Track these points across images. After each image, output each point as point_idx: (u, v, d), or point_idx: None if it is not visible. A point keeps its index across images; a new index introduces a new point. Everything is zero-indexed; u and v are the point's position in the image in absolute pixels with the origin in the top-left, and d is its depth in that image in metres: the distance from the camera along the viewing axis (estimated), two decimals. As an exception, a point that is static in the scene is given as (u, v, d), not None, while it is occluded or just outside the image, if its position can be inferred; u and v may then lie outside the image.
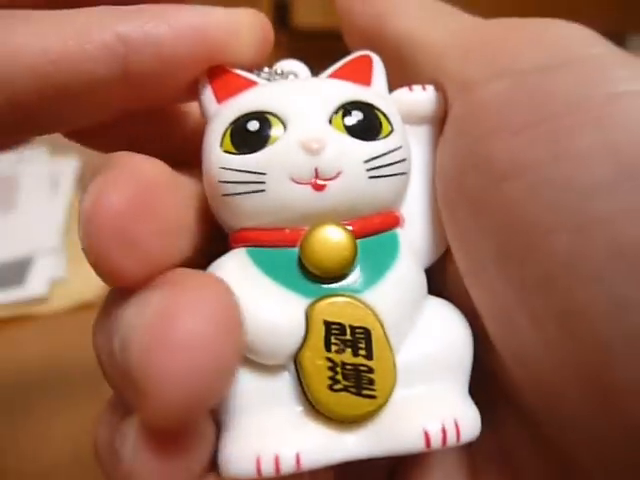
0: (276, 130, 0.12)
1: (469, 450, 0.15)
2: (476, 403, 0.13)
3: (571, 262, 0.11)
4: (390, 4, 0.16)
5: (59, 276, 0.37)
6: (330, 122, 0.13)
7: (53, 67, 0.12)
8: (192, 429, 0.11)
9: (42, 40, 0.12)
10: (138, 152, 0.12)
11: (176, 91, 0.14)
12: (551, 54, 0.12)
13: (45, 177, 0.47)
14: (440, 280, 0.14)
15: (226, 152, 0.13)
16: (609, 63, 0.11)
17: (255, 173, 0.12)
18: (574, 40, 0.12)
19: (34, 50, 0.12)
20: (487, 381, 0.14)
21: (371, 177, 0.13)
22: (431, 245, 0.14)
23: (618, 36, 0.76)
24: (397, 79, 0.15)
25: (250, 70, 0.14)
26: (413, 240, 0.14)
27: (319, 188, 0.12)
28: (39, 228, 0.41)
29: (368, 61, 0.15)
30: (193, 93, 0.14)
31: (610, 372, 0.10)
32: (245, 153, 0.12)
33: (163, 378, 0.10)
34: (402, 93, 0.14)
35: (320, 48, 0.58)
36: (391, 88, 0.15)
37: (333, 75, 0.14)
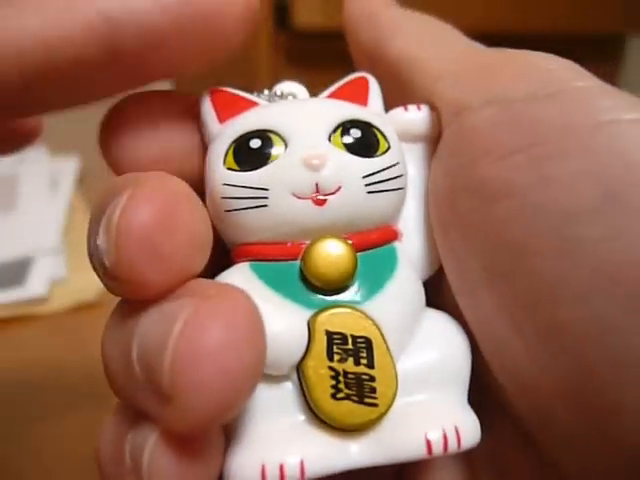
0: (278, 148, 0.13)
1: (469, 457, 0.15)
2: (474, 411, 0.13)
3: (556, 284, 0.11)
4: (392, 26, 0.16)
5: (59, 276, 0.37)
6: (330, 140, 0.13)
7: (34, 48, 0.12)
8: (210, 438, 0.12)
9: (23, 21, 0.12)
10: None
11: (162, 69, 0.14)
12: (540, 85, 0.12)
13: (45, 177, 0.47)
14: (437, 293, 0.15)
15: (229, 169, 0.13)
16: (594, 94, 0.12)
17: (257, 189, 0.13)
18: (562, 73, 0.12)
19: (15, 31, 0.11)
20: (483, 391, 0.14)
21: (370, 192, 0.13)
22: (427, 259, 0.14)
23: (618, 36, 0.76)
24: (396, 98, 0.15)
25: (250, 92, 0.15)
26: (411, 254, 0.14)
27: (320, 203, 0.13)
28: (39, 228, 0.41)
29: (364, 82, 0.15)
30: (177, 71, 0.14)
31: (594, 391, 0.11)
32: (247, 170, 0.13)
33: (194, 385, 0.10)
34: (398, 112, 0.15)
35: (320, 48, 0.58)
36: (390, 107, 0.15)
37: (331, 95, 0.15)
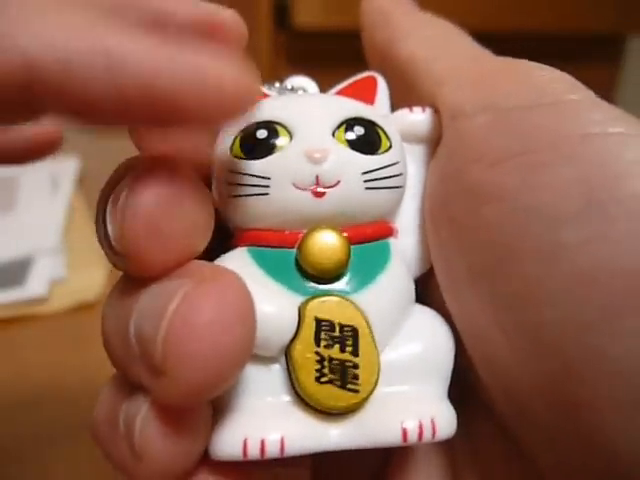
0: (283, 139, 0.13)
1: (451, 456, 0.16)
2: (455, 409, 0.14)
3: (537, 285, 0.11)
4: (405, 28, 0.17)
5: (59, 276, 0.37)
6: (333, 135, 0.13)
7: None
8: (199, 411, 0.12)
9: None
10: None
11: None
12: (534, 95, 0.13)
13: (45, 177, 0.47)
14: (428, 290, 0.15)
15: (236, 157, 0.13)
16: (585, 107, 0.12)
17: (260, 177, 0.13)
18: (557, 85, 0.13)
19: None
20: (467, 390, 0.15)
21: (368, 188, 0.13)
22: (420, 257, 0.15)
23: (618, 36, 0.76)
24: (403, 98, 0.16)
25: (262, 84, 0.15)
26: (405, 251, 0.15)
27: (319, 195, 0.13)
28: (39, 228, 0.41)
29: (373, 81, 0.16)
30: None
31: (571, 388, 0.11)
32: (253, 159, 0.13)
33: (185, 359, 0.11)
34: (403, 113, 0.15)
35: (320, 48, 0.58)
36: (398, 106, 0.16)
37: (339, 92, 0.15)
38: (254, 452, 0.12)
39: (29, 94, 0.10)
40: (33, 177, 0.47)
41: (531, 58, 0.14)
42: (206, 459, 0.13)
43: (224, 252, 0.14)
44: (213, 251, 0.14)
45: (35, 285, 0.36)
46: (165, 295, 0.12)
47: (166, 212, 0.12)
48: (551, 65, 0.13)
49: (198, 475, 0.13)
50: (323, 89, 0.16)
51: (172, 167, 0.12)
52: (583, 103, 0.12)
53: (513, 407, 0.13)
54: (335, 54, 0.54)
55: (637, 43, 0.79)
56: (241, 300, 0.11)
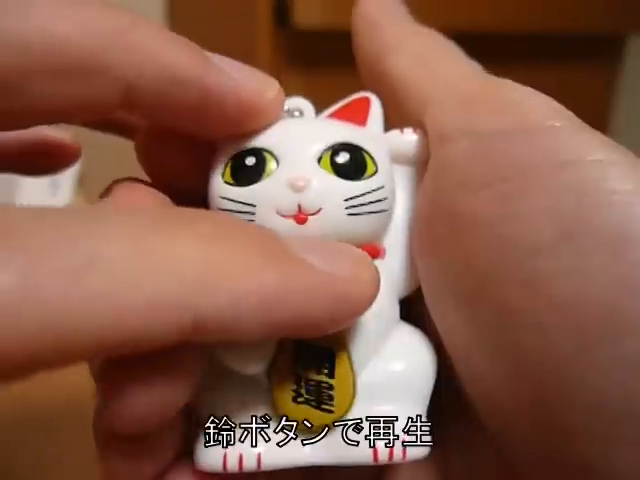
0: (270, 166, 0.14)
1: (445, 469, 0.16)
2: (450, 421, 0.14)
3: (516, 312, 0.12)
4: (395, 42, 0.16)
5: (59, 276, 0.37)
6: (319, 161, 0.14)
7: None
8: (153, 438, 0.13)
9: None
10: None
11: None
12: (515, 121, 0.13)
13: (45, 177, 0.47)
14: (420, 307, 0.15)
15: (226, 183, 0.14)
16: (564, 134, 0.12)
17: (247, 204, 0.14)
18: (540, 110, 0.13)
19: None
20: (461, 401, 0.15)
21: (350, 214, 0.14)
22: (408, 277, 0.15)
23: (618, 36, 0.76)
24: (391, 114, 0.16)
25: None
26: (393, 270, 0.15)
27: (301, 221, 0.13)
28: (39, 228, 0.41)
29: (366, 102, 0.16)
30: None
31: (548, 413, 0.11)
32: (241, 185, 0.14)
33: (120, 397, 0.11)
34: (394, 134, 0.15)
35: (320, 48, 0.58)
36: (387, 121, 0.16)
37: (332, 114, 0.16)
38: (233, 466, 0.13)
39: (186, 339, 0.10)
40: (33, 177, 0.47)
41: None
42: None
43: None
44: None
45: (35, 285, 0.36)
46: None
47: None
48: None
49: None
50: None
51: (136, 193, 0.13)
52: (563, 130, 0.12)
53: (497, 424, 0.13)
54: (335, 54, 0.54)
55: (637, 43, 0.79)
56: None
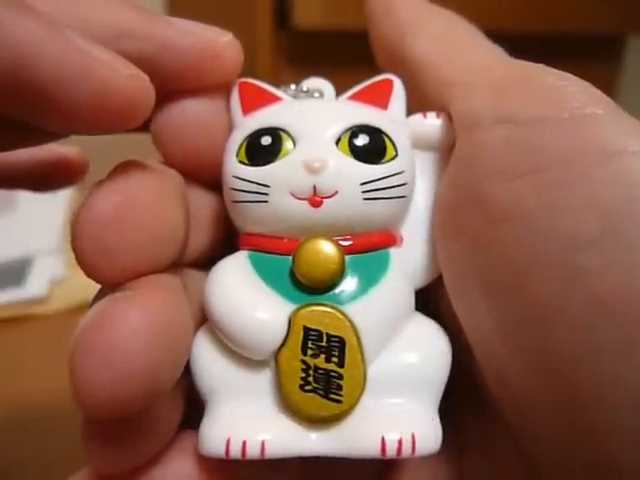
0: (286, 146, 0.13)
1: (460, 466, 0.15)
2: (463, 418, 0.14)
3: (553, 308, 0.11)
4: (412, 24, 0.16)
5: (59, 276, 0.37)
6: (337, 143, 0.13)
7: None
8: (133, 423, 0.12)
9: None
10: None
11: None
12: (553, 109, 0.12)
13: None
14: (436, 300, 0.15)
15: (240, 162, 0.14)
16: (605, 123, 0.12)
17: (261, 185, 0.13)
18: (577, 97, 0.12)
19: None
20: (481, 398, 0.14)
21: (366, 199, 0.13)
22: (426, 267, 0.15)
23: (618, 36, 0.76)
24: (412, 98, 0.15)
25: (277, 86, 0.15)
26: (409, 260, 0.14)
27: (316, 204, 0.13)
28: (39, 229, 0.41)
29: (389, 85, 0.15)
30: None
31: (576, 412, 0.11)
32: (256, 165, 0.13)
33: (82, 380, 0.11)
34: (417, 119, 0.15)
35: (320, 48, 0.58)
36: (408, 104, 0.15)
37: (353, 96, 0.15)
38: (236, 452, 0.13)
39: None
40: (33, 177, 0.47)
41: (531, 58, 0.14)
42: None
43: (233, 252, 0.14)
44: (226, 250, 0.14)
45: (35, 285, 0.36)
46: (92, 309, 0.12)
47: (112, 225, 0.12)
48: (551, 65, 0.13)
49: (180, 463, 0.14)
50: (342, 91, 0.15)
51: (126, 179, 0.12)
52: (604, 118, 0.12)
53: (520, 420, 0.13)
54: (335, 54, 0.54)
55: (637, 43, 0.79)
56: (151, 325, 0.11)
